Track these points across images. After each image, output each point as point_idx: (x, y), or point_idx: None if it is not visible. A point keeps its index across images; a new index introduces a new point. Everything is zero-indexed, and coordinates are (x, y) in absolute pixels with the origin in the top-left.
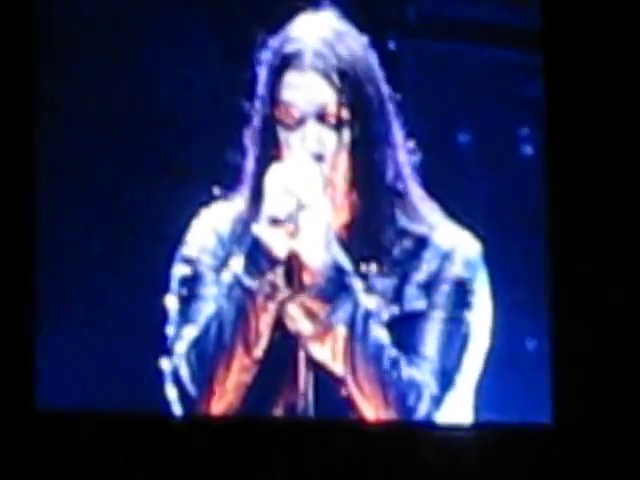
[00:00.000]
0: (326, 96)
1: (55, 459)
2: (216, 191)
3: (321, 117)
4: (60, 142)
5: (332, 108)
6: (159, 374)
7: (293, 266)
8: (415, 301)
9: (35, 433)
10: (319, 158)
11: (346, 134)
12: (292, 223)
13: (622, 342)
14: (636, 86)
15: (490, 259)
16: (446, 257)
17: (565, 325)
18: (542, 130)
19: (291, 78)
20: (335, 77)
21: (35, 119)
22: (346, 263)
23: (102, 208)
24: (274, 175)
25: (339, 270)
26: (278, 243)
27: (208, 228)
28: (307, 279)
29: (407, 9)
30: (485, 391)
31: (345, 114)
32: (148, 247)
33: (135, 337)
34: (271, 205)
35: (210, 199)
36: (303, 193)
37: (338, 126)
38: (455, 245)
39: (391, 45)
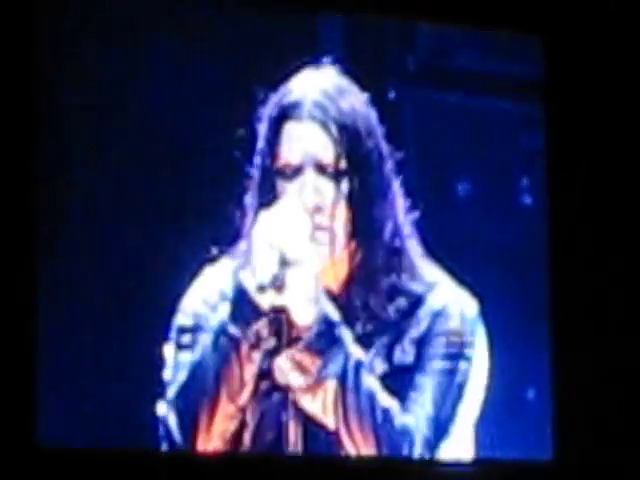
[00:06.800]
0: (324, 146)
1: None
2: (214, 251)
3: (319, 167)
4: (61, 188)
5: (330, 159)
6: (156, 418)
7: (281, 320)
8: (405, 356)
9: (37, 470)
10: (317, 209)
11: (344, 185)
12: (278, 283)
13: (623, 379)
14: (635, 138)
15: (488, 315)
16: (438, 314)
17: (566, 373)
18: (542, 181)
19: (290, 128)
20: (334, 128)
21: (36, 162)
22: (334, 314)
23: (106, 257)
24: (261, 227)
25: (329, 323)
26: (264, 298)
27: (211, 286)
28: (296, 333)
29: (406, 59)
30: (484, 437)
31: (343, 165)
32: (150, 299)
33: (135, 381)
34: (257, 259)
35: (212, 257)
36: (289, 247)
37: (337, 176)
38: (449, 302)
39: (390, 95)
